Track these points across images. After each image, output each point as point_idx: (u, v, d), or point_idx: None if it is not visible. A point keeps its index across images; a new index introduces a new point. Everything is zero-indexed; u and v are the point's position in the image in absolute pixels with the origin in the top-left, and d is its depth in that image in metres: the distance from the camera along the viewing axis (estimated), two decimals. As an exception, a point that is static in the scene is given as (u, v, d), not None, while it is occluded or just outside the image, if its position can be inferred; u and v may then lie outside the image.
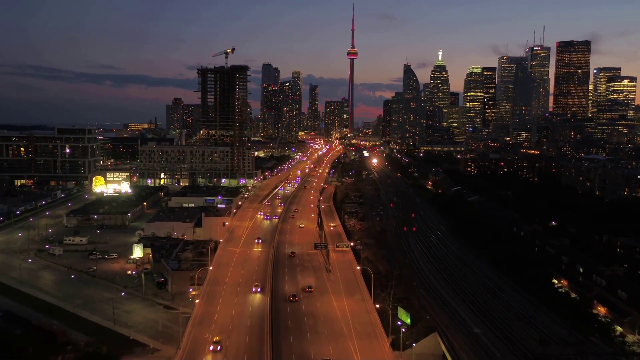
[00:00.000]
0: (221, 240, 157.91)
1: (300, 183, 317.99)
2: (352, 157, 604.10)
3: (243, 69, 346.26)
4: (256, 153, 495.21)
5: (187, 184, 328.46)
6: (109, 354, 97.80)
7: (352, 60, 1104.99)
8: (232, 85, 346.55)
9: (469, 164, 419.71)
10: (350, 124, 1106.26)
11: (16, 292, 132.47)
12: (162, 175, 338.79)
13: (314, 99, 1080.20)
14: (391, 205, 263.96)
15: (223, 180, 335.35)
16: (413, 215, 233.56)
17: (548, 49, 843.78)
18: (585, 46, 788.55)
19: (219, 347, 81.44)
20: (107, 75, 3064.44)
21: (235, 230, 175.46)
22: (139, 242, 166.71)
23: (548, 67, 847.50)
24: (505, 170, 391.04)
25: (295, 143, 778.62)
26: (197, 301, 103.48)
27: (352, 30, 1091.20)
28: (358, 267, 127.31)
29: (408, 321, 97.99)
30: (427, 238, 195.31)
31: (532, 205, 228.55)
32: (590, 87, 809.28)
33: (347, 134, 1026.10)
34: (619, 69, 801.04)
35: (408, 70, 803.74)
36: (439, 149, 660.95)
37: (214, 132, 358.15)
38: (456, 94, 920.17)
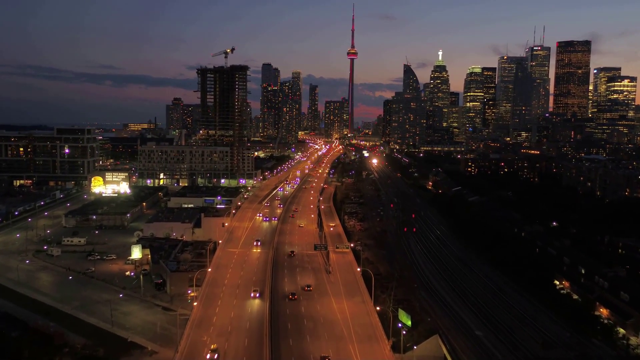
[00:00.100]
0: (220, 241, 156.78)
1: (300, 183, 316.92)
2: (352, 157, 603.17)
3: (243, 68, 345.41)
4: (256, 153, 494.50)
5: (186, 184, 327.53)
6: (107, 356, 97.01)
7: (352, 60, 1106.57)
8: (232, 85, 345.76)
9: (469, 164, 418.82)
10: (350, 124, 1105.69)
11: (13, 294, 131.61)
12: (162, 176, 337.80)
13: (314, 99, 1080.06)
14: (391, 205, 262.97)
15: (222, 181, 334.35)
16: (413, 215, 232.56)
17: (548, 49, 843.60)
18: (585, 46, 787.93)
19: (216, 356, 79.29)
20: (107, 75, 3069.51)
21: (235, 231, 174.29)
22: (137, 242, 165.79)
23: (548, 67, 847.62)
24: (506, 170, 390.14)
25: (295, 143, 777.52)
26: (195, 304, 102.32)
27: (352, 30, 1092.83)
28: (358, 269, 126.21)
29: (409, 323, 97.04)
30: (428, 239, 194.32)
31: (533, 205, 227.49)
32: (591, 87, 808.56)
33: (347, 134, 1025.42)
34: (619, 69, 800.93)
35: (408, 70, 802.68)
36: (439, 149, 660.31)
37: (213, 132, 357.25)
38: (456, 94, 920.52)
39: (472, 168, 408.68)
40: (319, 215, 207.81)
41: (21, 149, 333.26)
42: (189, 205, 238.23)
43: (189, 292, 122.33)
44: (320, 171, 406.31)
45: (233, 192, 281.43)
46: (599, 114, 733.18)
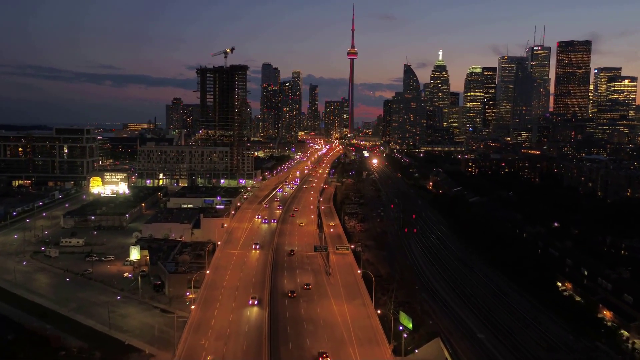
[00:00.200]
0: (219, 242, 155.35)
1: (300, 183, 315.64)
2: (352, 157, 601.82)
3: (242, 68, 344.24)
4: (256, 153, 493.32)
5: (186, 185, 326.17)
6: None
7: (352, 60, 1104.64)
8: (232, 85, 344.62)
9: (470, 164, 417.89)
10: (350, 124, 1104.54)
11: (10, 295, 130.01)
12: (161, 176, 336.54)
13: (314, 99, 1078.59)
14: (392, 206, 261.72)
15: (222, 181, 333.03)
16: (414, 216, 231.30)
17: (548, 49, 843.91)
18: (585, 46, 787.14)
19: None
20: (107, 75, 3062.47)
21: (234, 232, 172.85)
22: (136, 243, 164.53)
23: (548, 67, 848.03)
24: (506, 170, 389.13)
25: (295, 143, 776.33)
26: (193, 307, 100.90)
27: (352, 30, 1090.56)
28: (359, 270, 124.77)
29: (410, 326, 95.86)
30: (429, 239, 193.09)
31: (534, 206, 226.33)
32: (591, 87, 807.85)
33: (347, 134, 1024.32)
34: (620, 69, 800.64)
35: (408, 70, 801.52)
36: (439, 149, 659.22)
37: (213, 132, 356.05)
38: (456, 94, 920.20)
39: (473, 168, 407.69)
40: (319, 215, 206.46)
41: (20, 149, 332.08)
42: (188, 206, 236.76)
43: (188, 293, 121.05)
44: (320, 171, 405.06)
45: (233, 192, 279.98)
46: (600, 114, 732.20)
